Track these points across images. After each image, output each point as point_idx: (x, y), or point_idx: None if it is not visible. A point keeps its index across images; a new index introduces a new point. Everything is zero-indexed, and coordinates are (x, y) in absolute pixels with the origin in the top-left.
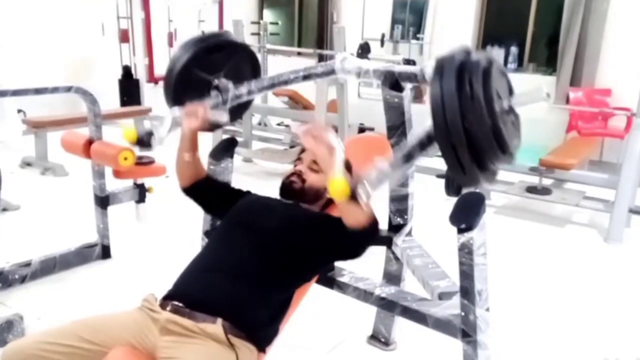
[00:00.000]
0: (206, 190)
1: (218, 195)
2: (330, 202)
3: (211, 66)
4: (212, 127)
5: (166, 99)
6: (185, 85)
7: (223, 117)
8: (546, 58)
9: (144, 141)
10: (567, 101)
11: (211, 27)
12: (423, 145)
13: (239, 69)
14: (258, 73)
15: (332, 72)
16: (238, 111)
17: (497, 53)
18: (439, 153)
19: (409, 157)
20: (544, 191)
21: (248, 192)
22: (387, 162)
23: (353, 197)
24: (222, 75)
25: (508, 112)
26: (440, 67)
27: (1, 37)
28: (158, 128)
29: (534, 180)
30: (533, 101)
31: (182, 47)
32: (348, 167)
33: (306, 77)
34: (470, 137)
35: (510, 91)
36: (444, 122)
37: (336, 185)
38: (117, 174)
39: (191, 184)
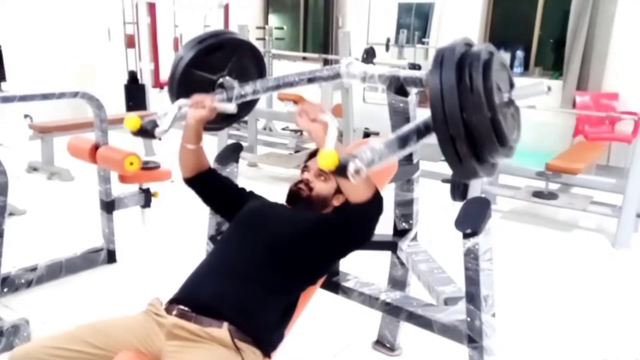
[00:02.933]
0: (209, 183)
1: (220, 189)
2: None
3: (215, 64)
4: (217, 122)
5: (170, 98)
6: (189, 84)
7: (230, 106)
8: (553, 62)
9: (147, 130)
10: (574, 105)
11: None
12: (420, 132)
13: (244, 67)
14: (263, 72)
15: (337, 75)
16: (242, 111)
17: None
18: (443, 157)
19: (404, 141)
20: (551, 196)
21: (250, 192)
22: (382, 142)
23: (343, 171)
24: (227, 74)
25: (508, 104)
26: (440, 58)
27: (9, 43)
28: (162, 119)
29: (540, 185)
30: (533, 94)
31: (185, 46)
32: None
33: (311, 80)
34: (469, 129)
35: (511, 84)
36: (442, 113)
37: (325, 155)
38: (123, 178)
39: (194, 175)
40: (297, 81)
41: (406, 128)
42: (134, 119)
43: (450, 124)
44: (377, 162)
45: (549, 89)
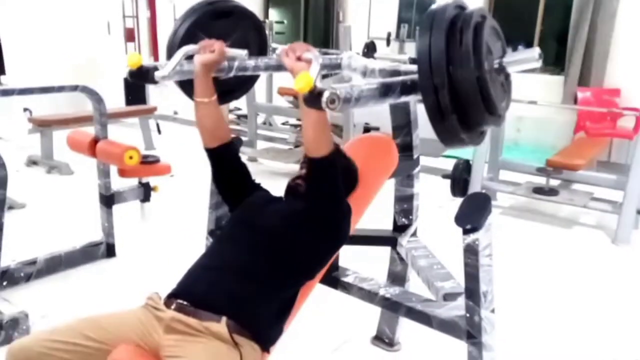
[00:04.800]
0: (229, 157)
1: (237, 168)
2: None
3: (217, 33)
4: (226, 69)
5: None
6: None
7: (241, 52)
8: (554, 58)
9: (147, 71)
10: (575, 101)
11: None
12: (405, 86)
13: (247, 40)
14: (264, 49)
15: (338, 66)
16: (240, 89)
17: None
18: (444, 152)
19: (387, 89)
20: (551, 192)
21: (259, 185)
22: (364, 81)
23: (317, 98)
24: (230, 44)
25: (499, 71)
26: (431, 17)
27: (8, 36)
28: (165, 65)
29: (541, 181)
30: (525, 62)
31: (187, 11)
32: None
33: None
34: (454, 83)
35: (504, 52)
36: (427, 62)
37: (301, 76)
38: (122, 172)
39: (217, 145)
40: None
41: (393, 78)
42: (136, 56)
43: (435, 74)
44: (354, 102)
45: (541, 56)
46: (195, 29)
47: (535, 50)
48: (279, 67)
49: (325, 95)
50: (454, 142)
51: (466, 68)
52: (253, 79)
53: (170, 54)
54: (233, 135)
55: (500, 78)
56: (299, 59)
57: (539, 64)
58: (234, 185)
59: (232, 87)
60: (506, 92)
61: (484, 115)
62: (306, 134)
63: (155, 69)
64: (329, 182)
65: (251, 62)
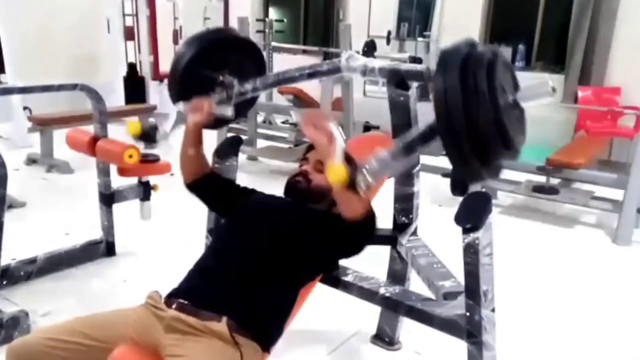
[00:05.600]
0: (211, 187)
1: (222, 192)
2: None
3: (216, 62)
4: (217, 123)
5: (171, 96)
6: (189, 82)
7: (228, 111)
8: (555, 56)
9: (148, 135)
10: (576, 100)
11: (216, 24)
12: (425, 137)
13: (244, 65)
14: (263, 69)
15: (337, 70)
16: (243, 108)
17: (504, 51)
18: (444, 151)
19: (410, 148)
20: (551, 191)
21: (253, 191)
22: (388, 151)
23: (352, 185)
24: (227, 72)
25: (513, 106)
26: (444, 59)
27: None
28: (163, 123)
29: (541, 179)
30: (539, 96)
31: (186, 43)
32: (349, 158)
33: (311, 75)
34: (473, 129)
35: (516, 86)
36: (445, 113)
37: (335, 170)
38: (122, 171)
39: (195, 179)
40: (296, 77)
41: (410, 134)
42: (135, 124)
43: (454, 123)
44: (384, 173)
45: (554, 89)
46: (191, 67)
47: (548, 83)
48: (277, 83)
49: (362, 186)
50: (473, 180)
51: (485, 114)
52: (254, 99)
53: (173, 80)
54: (233, 135)
55: (515, 113)
56: (318, 129)
57: (553, 96)
58: (226, 205)
59: (235, 107)
60: (521, 125)
61: (503, 151)
62: (340, 205)
63: (154, 127)
64: (362, 240)
65: (249, 86)
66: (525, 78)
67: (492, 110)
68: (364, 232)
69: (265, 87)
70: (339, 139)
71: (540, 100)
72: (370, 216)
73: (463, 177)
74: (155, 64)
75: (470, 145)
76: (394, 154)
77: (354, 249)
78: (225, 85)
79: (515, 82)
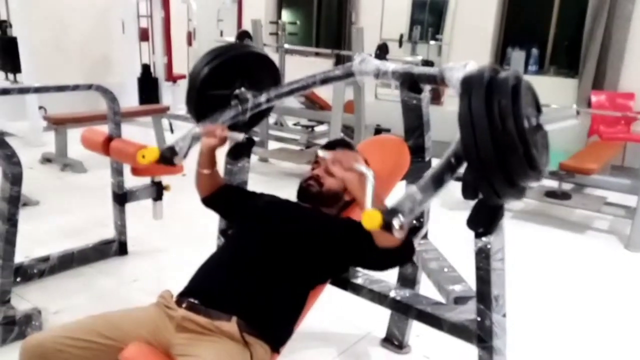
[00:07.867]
0: (225, 199)
1: (237, 203)
2: (348, 204)
3: (231, 77)
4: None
5: (189, 111)
6: (205, 99)
7: (239, 136)
8: (568, 60)
9: (166, 158)
10: (589, 105)
11: (230, 26)
12: (452, 166)
13: (259, 77)
14: (277, 80)
15: (350, 74)
16: (258, 118)
17: (517, 55)
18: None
19: (439, 181)
20: (564, 196)
21: (263, 194)
22: (417, 187)
23: (387, 228)
24: (242, 85)
25: (537, 129)
26: (468, 86)
27: (23, 35)
28: (179, 143)
29: (553, 184)
30: (563, 119)
31: (201, 60)
32: (379, 198)
33: (324, 81)
34: (502, 158)
35: (538, 107)
36: (476, 154)
37: (370, 216)
38: (135, 171)
39: (210, 194)
40: (309, 84)
41: (437, 166)
42: (152, 151)
43: (483, 154)
44: (417, 210)
45: (578, 113)
46: (206, 84)
47: (573, 108)
48: (291, 93)
49: (396, 227)
50: (500, 201)
51: (514, 154)
52: (269, 109)
53: (191, 94)
54: (246, 136)
55: (539, 135)
56: (347, 170)
57: (577, 121)
58: (240, 212)
59: (250, 117)
60: (545, 147)
61: (528, 173)
62: (376, 239)
63: (172, 150)
64: (391, 263)
65: (263, 98)
66: (539, 82)
67: (520, 142)
68: (396, 259)
69: (279, 97)
70: (370, 179)
71: (564, 124)
72: (406, 247)
73: (488, 199)
74: (169, 65)
75: (503, 180)
76: (423, 188)
77: (379, 267)
78: (240, 99)
79: (537, 102)
